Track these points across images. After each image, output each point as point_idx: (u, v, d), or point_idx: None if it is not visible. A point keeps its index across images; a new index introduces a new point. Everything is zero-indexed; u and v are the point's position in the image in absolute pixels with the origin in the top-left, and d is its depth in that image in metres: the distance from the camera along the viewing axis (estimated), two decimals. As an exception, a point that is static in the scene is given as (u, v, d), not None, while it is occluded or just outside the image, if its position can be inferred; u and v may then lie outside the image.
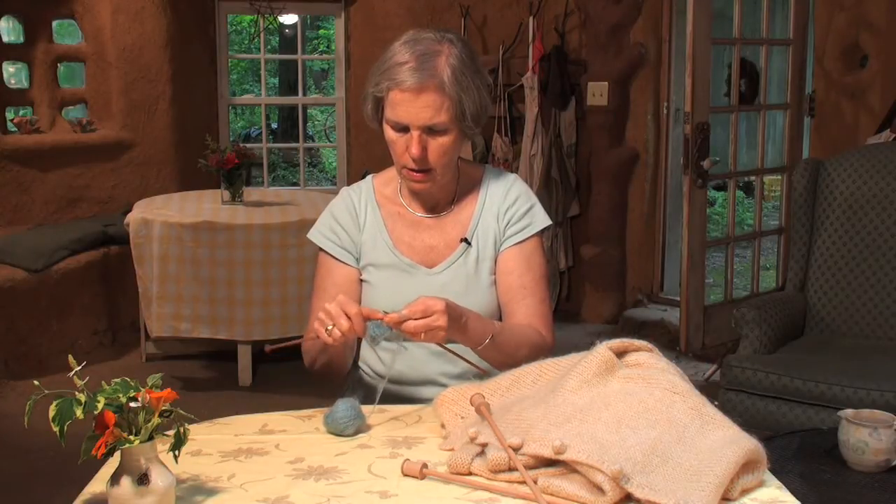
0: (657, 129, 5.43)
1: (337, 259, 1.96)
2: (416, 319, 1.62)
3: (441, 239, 1.95)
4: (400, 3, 5.72)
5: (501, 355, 1.78)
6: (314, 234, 2.00)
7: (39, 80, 5.44)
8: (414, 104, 1.77)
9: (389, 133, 1.84)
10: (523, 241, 1.94)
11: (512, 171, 5.39)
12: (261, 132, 8.10)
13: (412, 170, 1.84)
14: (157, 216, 4.24)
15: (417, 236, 1.95)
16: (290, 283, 4.18)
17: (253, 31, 7.52)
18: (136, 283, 4.31)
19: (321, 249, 1.98)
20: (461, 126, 1.82)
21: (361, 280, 1.96)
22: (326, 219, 1.99)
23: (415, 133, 1.79)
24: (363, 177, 2.09)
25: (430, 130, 1.80)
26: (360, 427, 1.61)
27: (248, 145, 5.29)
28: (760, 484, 1.38)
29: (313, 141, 12.42)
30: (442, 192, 1.94)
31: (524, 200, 1.96)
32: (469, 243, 1.93)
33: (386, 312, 1.64)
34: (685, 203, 4.26)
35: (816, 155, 4.44)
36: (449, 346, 1.77)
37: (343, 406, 1.61)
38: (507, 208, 1.95)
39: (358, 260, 1.96)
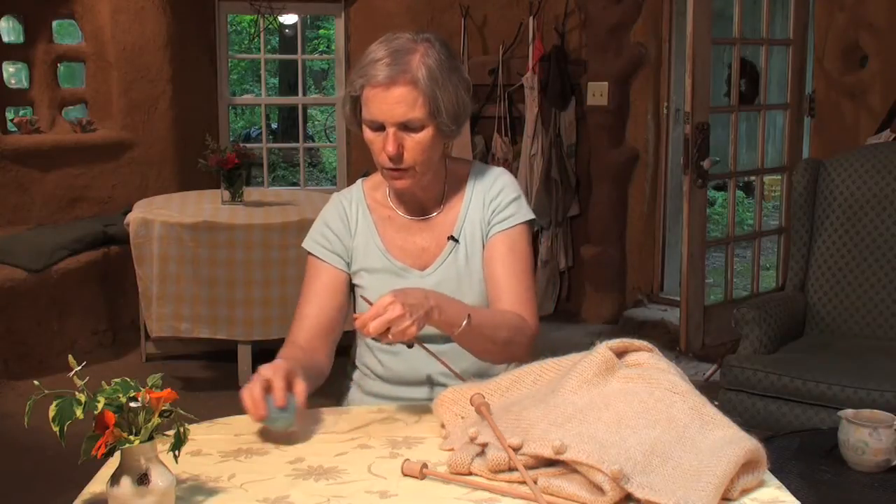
0: (657, 129, 5.43)
1: (324, 261, 1.94)
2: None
3: (432, 240, 1.94)
4: (400, 3, 5.72)
5: (481, 338, 1.74)
6: (307, 243, 1.99)
7: (39, 80, 5.44)
8: (386, 100, 1.75)
9: (367, 133, 1.82)
10: (509, 228, 1.91)
11: (512, 171, 5.45)
12: (261, 132, 8.10)
13: (391, 168, 1.82)
14: (157, 216, 4.24)
15: (409, 239, 1.94)
16: (290, 283, 4.18)
17: (253, 31, 7.53)
18: (136, 283, 4.30)
19: (310, 254, 1.97)
20: (437, 123, 1.79)
21: (354, 285, 1.96)
22: (319, 226, 1.99)
23: (390, 130, 1.77)
24: (363, 177, 2.09)
25: (406, 127, 1.77)
26: (290, 425, 1.56)
27: (248, 145, 5.29)
28: (760, 484, 1.38)
29: (313, 141, 12.42)
30: (428, 193, 1.93)
31: (509, 191, 1.94)
32: (456, 241, 1.92)
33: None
34: (685, 203, 4.27)
35: (816, 155, 4.44)
36: (431, 348, 1.73)
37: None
38: (492, 199, 1.93)
39: (349, 265, 1.95)
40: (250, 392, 1.55)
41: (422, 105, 1.76)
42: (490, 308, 1.88)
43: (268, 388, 1.56)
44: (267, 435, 1.61)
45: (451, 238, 1.92)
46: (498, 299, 1.88)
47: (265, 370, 1.59)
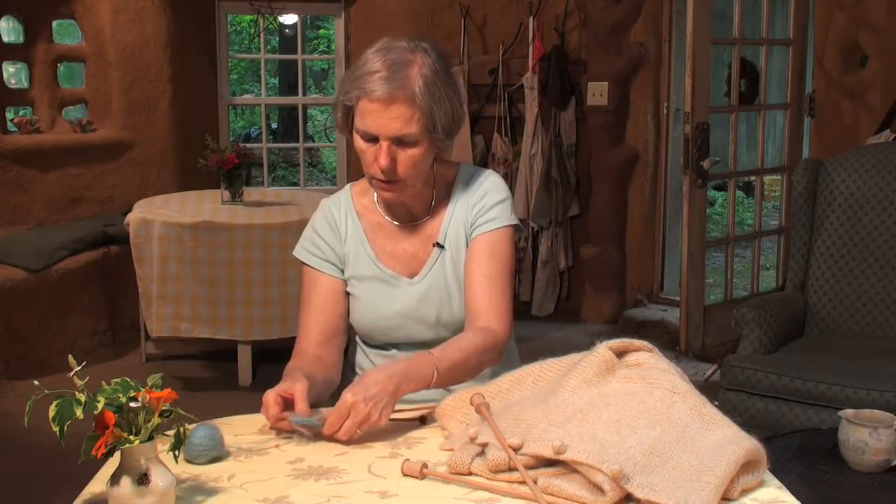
0: (657, 129, 5.43)
1: (320, 271, 1.95)
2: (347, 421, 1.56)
3: (420, 246, 1.94)
4: (400, 3, 5.71)
5: (453, 376, 1.76)
6: (298, 251, 1.99)
7: (39, 80, 5.44)
8: (384, 115, 1.74)
9: (359, 142, 1.81)
10: (491, 231, 1.90)
11: (512, 171, 5.47)
12: (261, 132, 8.10)
13: (381, 180, 1.81)
14: (157, 216, 4.24)
15: (398, 245, 1.94)
16: (290, 283, 4.18)
17: (253, 31, 7.53)
18: (136, 283, 4.30)
19: (304, 264, 1.98)
20: (432, 138, 1.79)
21: (347, 292, 1.96)
22: (309, 234, 1.99)
23: (384, 144, 1.76)
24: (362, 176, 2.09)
25: (400, 142, 1.77)
26: (218, 456, 1.50)
27: (248, 145, 5.29)
28: (760, 484, 1.38)
29: (313, 141, 12.42)
30: (416, 201, 1.93)
31: (494, 194, 1.92)
32: (442, 247, 1.92)
33: (316, 412, 1.60)
34: (685, 203, 4.26)
35: (816, 155, 4.44)
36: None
37: (201, 433, 1.49)
38: (476, 202, 1.92)
39: (342, 271, 1.95)
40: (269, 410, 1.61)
41: (418, 121, 1.75)
42: (456, 337, 1.85)
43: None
44: (266, 434, 1.61)
45: (437, 245, 1.93)
46: (471, 302, 1.88)
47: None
